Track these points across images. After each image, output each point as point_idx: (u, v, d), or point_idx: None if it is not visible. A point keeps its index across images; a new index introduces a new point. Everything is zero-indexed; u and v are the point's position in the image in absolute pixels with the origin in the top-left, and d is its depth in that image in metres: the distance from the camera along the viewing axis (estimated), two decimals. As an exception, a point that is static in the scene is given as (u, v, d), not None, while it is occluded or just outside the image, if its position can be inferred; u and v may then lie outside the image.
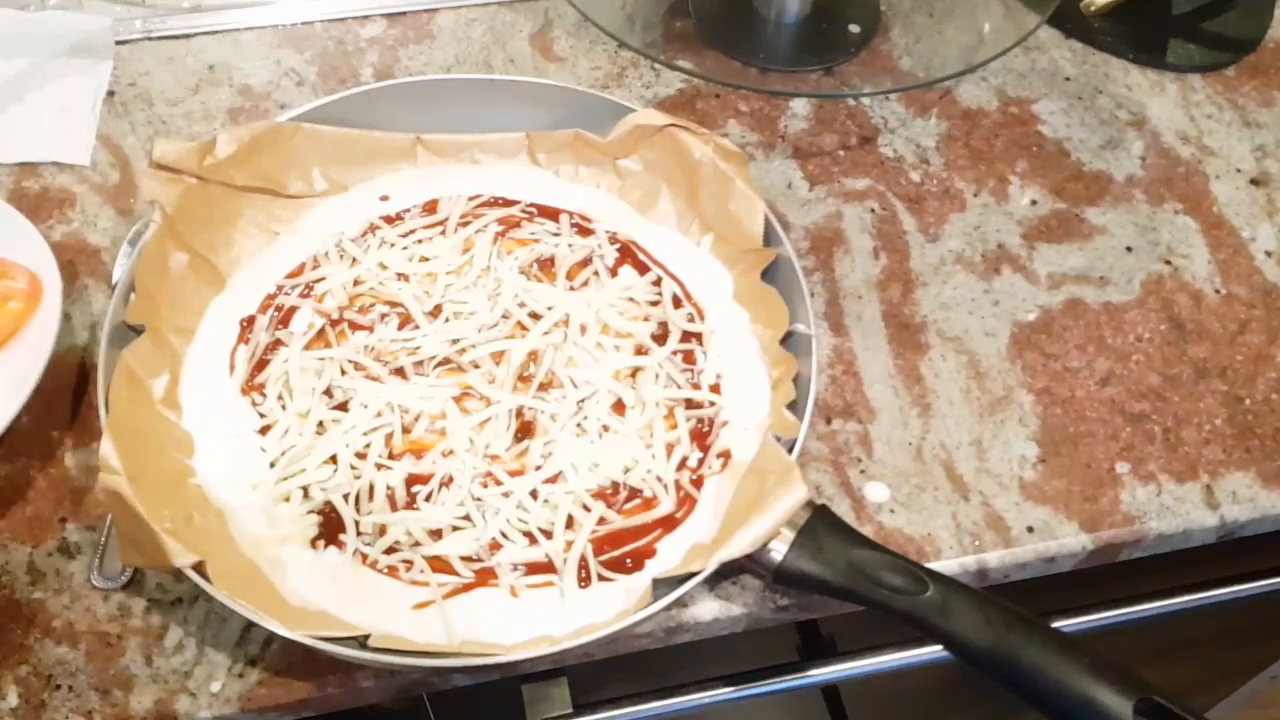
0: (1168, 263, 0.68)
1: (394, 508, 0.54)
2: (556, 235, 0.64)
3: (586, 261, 0.63)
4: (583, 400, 0.58)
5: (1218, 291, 0.67)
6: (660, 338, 0.60)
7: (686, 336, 0.60)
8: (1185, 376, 0.63)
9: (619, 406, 0.58)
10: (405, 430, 0.56)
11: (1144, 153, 0.73)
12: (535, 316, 0.60)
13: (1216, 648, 0.90)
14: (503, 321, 0.60)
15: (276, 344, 0.59)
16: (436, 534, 0.53)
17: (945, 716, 0.99)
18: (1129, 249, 0.69)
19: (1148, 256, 0.68)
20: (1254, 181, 0.72)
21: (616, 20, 0.74)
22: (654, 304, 0.61)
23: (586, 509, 0.54)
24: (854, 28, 0.77)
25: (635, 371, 0.59)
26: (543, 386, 0.58)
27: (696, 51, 0.75)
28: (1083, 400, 0.62)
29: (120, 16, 0.74)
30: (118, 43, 0.73)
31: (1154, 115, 0.75)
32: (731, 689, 0.62)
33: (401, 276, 0.61)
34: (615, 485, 0.55)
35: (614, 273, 0.63)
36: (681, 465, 0.56)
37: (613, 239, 0.64)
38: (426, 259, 0.62)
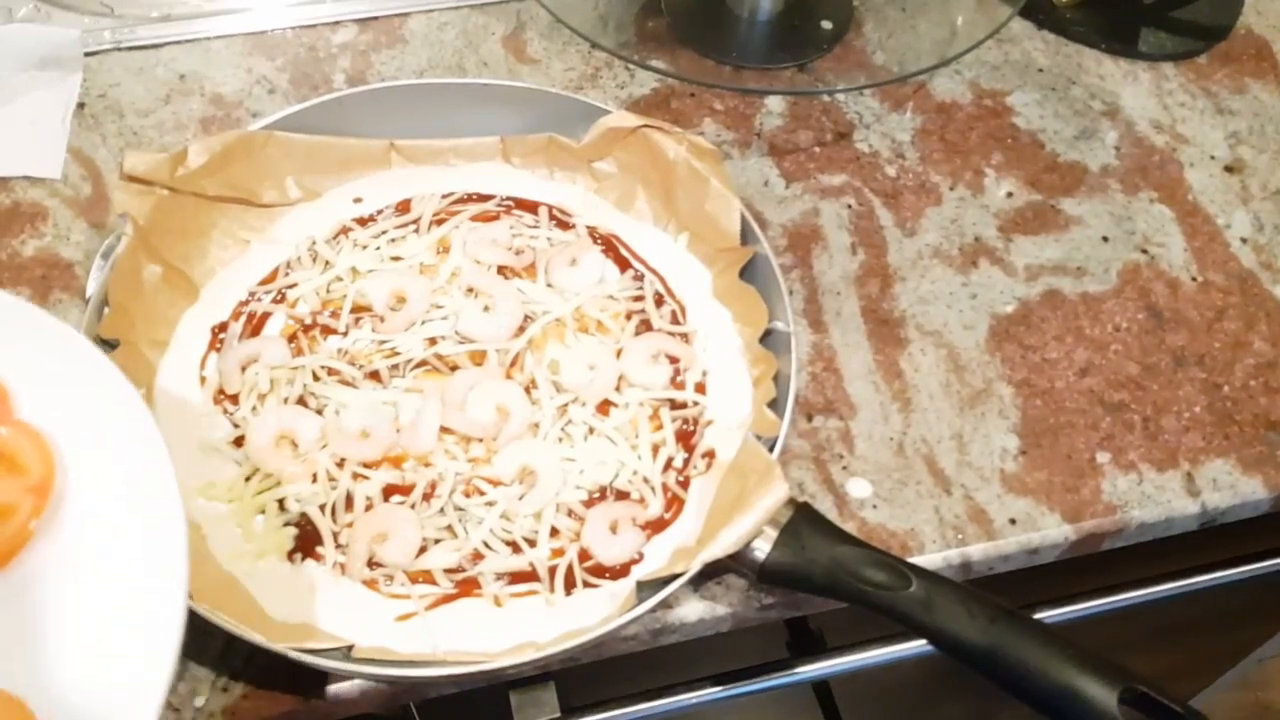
0: (1144, 251, 0.68)
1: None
2: (535, 228, 0.63)
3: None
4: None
5: (1194, 279, 0.67)
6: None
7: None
8: (1164, 365, 0.64)
9: (604, 407, 0.57)
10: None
11: (1118, 142, 0.73)
12: None
13: (1202, 633, 0.91)
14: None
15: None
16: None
17: (937, 707, 0.99)
18: (1105, 239, 0.69)
19: (1124, 246, 0.68)
20: (1228, 169, 0.73)
21: (589, 21, 0.73)
22: (636, 299, 0.61)
23: (572, 515, 0.54)
24: (826, 24, 0.77)
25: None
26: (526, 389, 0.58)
27: (670, 51, 0.75)
28: (1062, 391, 0.62)
29: (89, 27, 0.74)
30: (87, 54, 0.73)
31: (1127, 105, 0.75)
32: (720, 688, 0.62)
33: None
34: (602, 489, 0.55)
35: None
36: (668, 466, 0.56)
37: (593, 233, 0.63)
38: (399, 259, 0.62)
